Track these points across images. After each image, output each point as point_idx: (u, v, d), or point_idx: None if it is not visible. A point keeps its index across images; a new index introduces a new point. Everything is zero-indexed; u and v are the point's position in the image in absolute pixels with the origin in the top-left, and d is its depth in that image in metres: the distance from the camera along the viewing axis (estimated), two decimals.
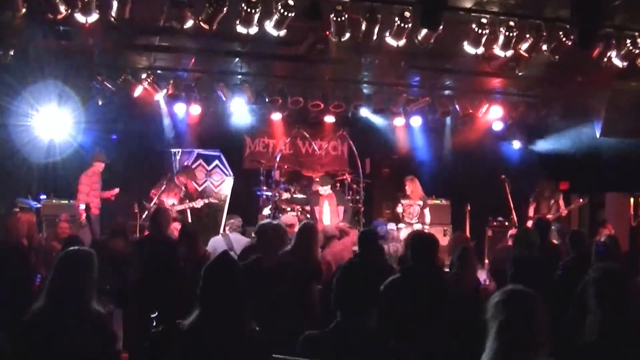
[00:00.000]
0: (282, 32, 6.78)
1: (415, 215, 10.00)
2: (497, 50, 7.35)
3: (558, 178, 10.73)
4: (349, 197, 10.80)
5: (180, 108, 10.72)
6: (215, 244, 7.41)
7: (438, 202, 11.40)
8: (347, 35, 6.90)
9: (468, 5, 7.04)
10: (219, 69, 10.01)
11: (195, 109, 10.62)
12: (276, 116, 11.36)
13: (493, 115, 11.31)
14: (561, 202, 10.17)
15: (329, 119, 11.53)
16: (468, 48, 7.29)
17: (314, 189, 10.44)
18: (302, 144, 12.67)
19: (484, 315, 2.49)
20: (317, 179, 10.46)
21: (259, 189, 10.96)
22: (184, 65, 9.78)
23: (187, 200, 9.95)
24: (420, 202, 10.04)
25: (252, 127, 12.07)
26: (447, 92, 11.04)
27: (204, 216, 10.88)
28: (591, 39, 6.51)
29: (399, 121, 11.72)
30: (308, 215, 9.98)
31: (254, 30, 6.73)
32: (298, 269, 4.66)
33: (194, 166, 11.46)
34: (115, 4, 6.46)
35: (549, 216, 9.64)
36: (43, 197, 9.86)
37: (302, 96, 10.37)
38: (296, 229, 5.42)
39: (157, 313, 4.69)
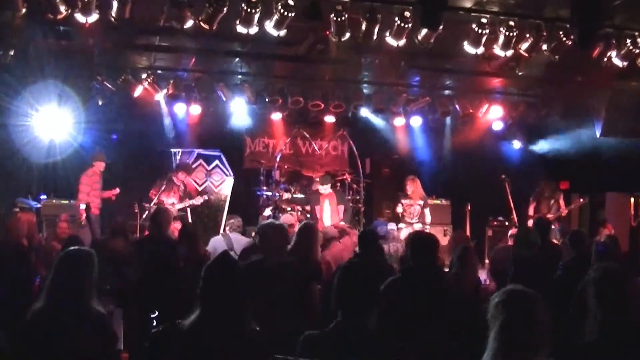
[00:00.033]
0: (282, 32, 6.78)
1: (415, 215, 9.99)
2: (497, 50, 7.35)
3: (558, 178, 10.73)
4: (349, 197, 10.81)
5: (180, 108, 10.72)
6: (216, 244, 7.41)
7: (438, 202, 11.39)
8: (347, 35, 6.90)
9: (468, 5, 7.04)
10: (219, 69, 10.01)
11: (196, 109, 10.62)
12: (276, 116, 11.36)
13: (493, 115, 11.31)
14: (561, 202, 10.18)
15: (329, 118, 11.53)
16: (468, 48, 7.29)
17: (314, 189, 10.44)
18: (302, 144, 12.67)
19: (484, 315, 2.49)
20: (317, 179, 10.47)
21: (259, 189, 10.96)
22: (184, 65, 9.78)
23: (187, 198, 9.95)
24: (421, 202, 10.04)
25: (252, 127, 12.07)
26: (447, 92, 11.04)
27: (204, 216, 10.90)
28: (591, 39, 6.51)
29: (399, 121, 11.72)
30: (308, 215, 9.98)
31: (254, 30, 6.73)
32: (298, 269, 4.65)
33: (194, 166, 11.46)
34: (115, 4, 6.46)
35: (549, 216, 9.64)
36: (43, 197, 9.86)
37: (302, 96, 10.37)
38: (296, 228, 5.42)
39: (157, 313, 4.69)
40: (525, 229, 7.30)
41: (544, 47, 7.34)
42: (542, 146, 11.83)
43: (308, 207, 10.13)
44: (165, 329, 2.87)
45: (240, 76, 10.18)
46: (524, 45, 7.31)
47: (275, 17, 6.57)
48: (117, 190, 9.78)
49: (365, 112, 11.30)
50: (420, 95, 10.90)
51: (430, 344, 3.70)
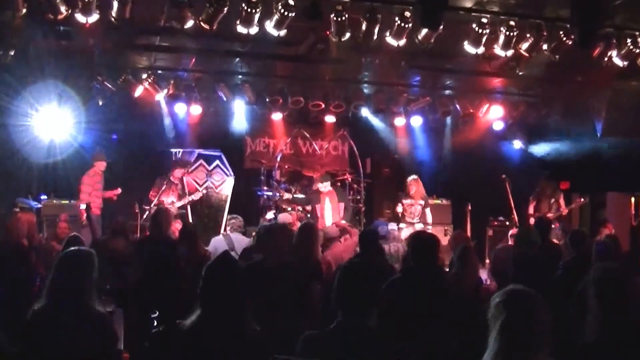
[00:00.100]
0: (283, 32, 6.78)
1: (416, 215, 9.99)
2: (498, 50, 7.34)
3: (558, 178, 10.71)
4: (350, 197, 10.81)
5: (180, 108, 10.71)
6: (217, 244, 7.41)
7: (439, 201, 11.38)
8: (348, 35, 6.90)
9: (468, 5, 7.03)
10: (220, 69, 10.00)
11: (196, 109, 10.61)
12: (277, 116, 11.35)
13: (493, 115, 11.31)
14: (562, 201, 10.18)
15: (330, 118, 11.52)
16: (468, 48, 7.29)
17: (314, 188, 10.44)
18: (303, 144, 12.67)
19: (485, 315, 2.49)
20: (318, 178, 10.48)
21: (260, 189, 10.96)
22: (184, 65, 9.77)
23: (186, 195, 9.96)
24: (422, 202, 10.04)
25: (252, 127, 12.06)
26: (447, 91, 11.03)
27: (205, 216, 10.90)
28: (591, 39, 6.51)
29: (400, 121, 11.71)
30: (308, 215, 9.98)
31: (254, 30, 6.73)
32: (298, 268, 4.66)
33: (194, 166, 11.46)
34: (115, 4, 6.46)
35: (549, 215, 9.64)
36: (43, 197, 9.86)
37: (302, 96, 10.37)
38: (295, 227, 5.43)
39: (157, 313, 4.69)
40: (526, 228, 7.31)
41: (545, 47, 7.34)
42: (542, 146, 11.83)
43: (309, 207, 10.13)
44: (166, 329, 2.87)
45: (240, 76, 10.18)
46: (525, 45, 7.31)
47: (276, 17, 6.57)
48: (119, 190, 9.79)
49: (365, 112, 11.30)
50: (421, 95, 10.90)
51: (430, 344, 3.70)
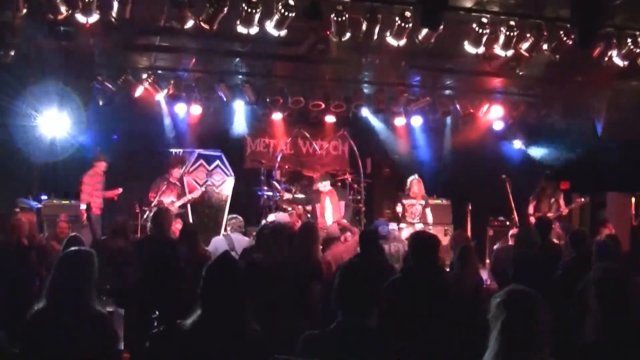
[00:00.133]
0: (283, 32, 6.78)
1: (417, 215, 9.99)
2: (498, 50, 7.35)
3: (558, 178, 10.70)
4: (350, 197, 10.80)
5: (180, 108, 10.72)
6: (217, 244, 7.40)
7: (439, 201, 11.37)
8: (348, 35, 6.90)
9: (468, 5, 7.04)
10: (220, 69, 10.00)
11: (196, 109, 10.62)
12: (277, 116, 11.35)
13: (493, 115, 11.31)
14: (562, 201, 10.17)
15: (330, 118, 11.51)
16: (468, 48, 7.29)
17: (314, 188, 10.44)
18: (303, 144, 12.67)
19: (485, 315, 2.49)
20: (318, 178, 10.47)
21: (260, 189, 10.96)
22: (184, 66, 9.78)
23: (186, 194, 9.96)
24: (422, 202, 10.04)
25: (252, 127, 12.06)
26: (447, 91, 11.03)
27: (205, 216, 10.89)
28: (592, 39, 6.51)
29: (400, 121, 11.71)
30: (309, 215, 9.98)
31: (254, 30, 6.73)
32: (298, 268, 4.66)
33: (194, 166, 11.45)
34: (115, 4, 6.46)
35: (550, 215, 9.64)
36: (44, 197, 9.86)
37: (302, 96, 10.37)
38: (294, 227, 5.43)
39: (157, 313, 4.69)
40: (526, 228, 7.32)
41: (545, 46, 7.35)
42: (542, 146, 11.83)
43: (309, 207, 10.13)
44: (166, 329, 2.87)
45: (240, 76, 10.18)
46: (525, 45, 7.31)
47: (276, 17, 6.58)
48: (120, 190, 9.79)
49: (365, 112, 11.30)
50: (421, 95, 10.90)
51: (430, 344, 3.70)
